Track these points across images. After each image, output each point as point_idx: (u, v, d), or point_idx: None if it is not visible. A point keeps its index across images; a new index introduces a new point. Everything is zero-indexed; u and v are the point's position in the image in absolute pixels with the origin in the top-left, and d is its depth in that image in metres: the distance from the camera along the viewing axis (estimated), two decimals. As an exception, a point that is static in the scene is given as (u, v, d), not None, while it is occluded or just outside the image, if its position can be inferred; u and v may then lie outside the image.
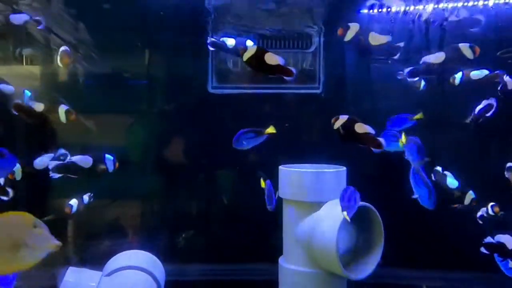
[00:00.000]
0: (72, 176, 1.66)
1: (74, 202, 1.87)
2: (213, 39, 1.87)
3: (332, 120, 1.52)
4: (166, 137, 2.34)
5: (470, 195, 1.78)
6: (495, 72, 1.84)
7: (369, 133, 1.46)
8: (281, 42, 2.29)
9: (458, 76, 1.88)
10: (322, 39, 2.27)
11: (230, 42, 1.88)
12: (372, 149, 1.46)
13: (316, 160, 1.98)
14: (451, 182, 1.77)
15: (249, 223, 2.25)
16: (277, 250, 1.96)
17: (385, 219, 1.74)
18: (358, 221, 1.78)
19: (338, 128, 1.46)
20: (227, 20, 2.24)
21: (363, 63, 2.17)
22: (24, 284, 1.96)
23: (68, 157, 1.71)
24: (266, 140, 2.18)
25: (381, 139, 1.48)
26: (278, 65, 1.43)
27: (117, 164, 1.70)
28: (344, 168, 1.87)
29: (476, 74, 1.85)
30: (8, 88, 1.83)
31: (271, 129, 1.62)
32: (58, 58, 1.84)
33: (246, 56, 1.41)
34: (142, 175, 2.33)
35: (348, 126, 1.45)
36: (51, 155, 1.74)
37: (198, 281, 2.14)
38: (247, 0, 2.19)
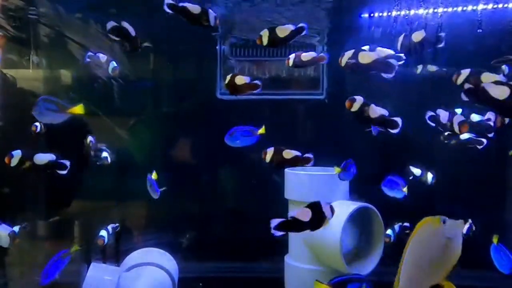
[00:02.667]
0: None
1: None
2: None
3: (262, 155, 1.60)
4: (176, 141, 2.41)
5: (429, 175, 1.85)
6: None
7: (297, 156, 1.62)
8: (284, 51, 2.38)
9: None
10: (325, 48, 2.35)
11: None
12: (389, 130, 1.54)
13: (320, 163, 2.06)
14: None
15: (256, 223, 2.33)
16: (283, 248, 2.05)
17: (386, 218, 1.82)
18: (360, 221, 1.87)
19: (356, 111, 1.51)
20: (233, 30, 2.33)
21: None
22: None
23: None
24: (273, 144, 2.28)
25: (308, 155, 1.64)
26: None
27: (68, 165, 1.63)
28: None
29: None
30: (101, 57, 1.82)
31: (262, 130, 1.72)
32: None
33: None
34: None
35: (362, 110, 1.52)
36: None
37: (207, 278, 2.21)
38: (252, 10, 2.27)
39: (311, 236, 1.87)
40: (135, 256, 1.65)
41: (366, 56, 1.51)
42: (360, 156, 2.20)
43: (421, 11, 2.10)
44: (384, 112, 1.52)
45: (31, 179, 2.18)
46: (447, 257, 1.09)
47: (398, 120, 1.53)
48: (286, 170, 2.00)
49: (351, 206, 1.77)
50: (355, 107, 1.51)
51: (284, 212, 2.03)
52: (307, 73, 2.40)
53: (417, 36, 1.53)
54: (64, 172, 1.58)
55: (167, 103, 2.47)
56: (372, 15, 2.25)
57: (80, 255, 2.14)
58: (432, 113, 1.61)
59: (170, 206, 2.33)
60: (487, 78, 1.33)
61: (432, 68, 2.10)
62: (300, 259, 1.93)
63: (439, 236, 1.09)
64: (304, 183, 1.92)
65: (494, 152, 2.16)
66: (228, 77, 1.62)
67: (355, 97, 1.51)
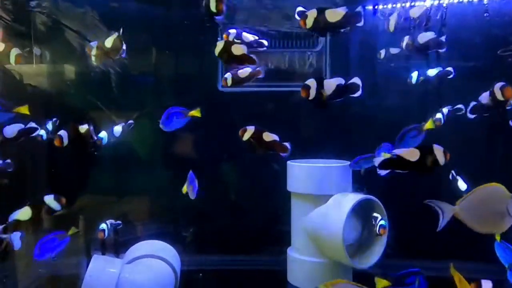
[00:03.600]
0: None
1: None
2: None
3: (240, 133, 1.56)
4: (177, 134, 2.41)
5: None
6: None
7: (275, 141, 1.57)
8: (288, 42, 2.35)
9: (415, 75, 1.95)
10: (328, 38, 2.33)
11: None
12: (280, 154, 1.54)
13: (322, 155, 2.06)
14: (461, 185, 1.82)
15: (258, 215, 2.33)
16: (285, 241, 2.05)
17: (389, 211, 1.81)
18: (363, 213, 1.86)
19: (248, 139, 1.50)
20: (235, 20, 2.30)
21: (369, 62, 2.22)
22: (48, 273, 2.07)
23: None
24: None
25: (286, 144, 1.60)
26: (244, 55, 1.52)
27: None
28: (349, 163, 1.95)
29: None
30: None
31: (196, 112, 1.68)
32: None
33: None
34: (153, 170, 2.41)
35: (256, 135, 1.51)
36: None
37: (210, 270, 2.21)
38: (255, 0, 2.24)
39: (313, 228, 1.87)
40: (137, 249, 1.65)
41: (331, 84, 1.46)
42: (362, 149, 2.20)
43: (428, 3, 2.07)
44: (340, 81, 1.46)
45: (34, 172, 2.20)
46: (499, 222, 1.28)
47: (357, 80, 1.47)
48: (289, 162, 1.99)
49: (354, 198, 1.76)
50: (312, 94, 1.43)
51: (286, 204, 2.03)
52: (310, 64, 2.38)
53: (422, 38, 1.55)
54: (36, 133, 1.64)
55: (167, 96, 2.45)
56: (376, 7, 2.22)
57: (81, 247, 2.16)
58: (474, 103, 1.58)
59: (172, 199, 2.34)
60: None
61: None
62: (303, 251, 1.93)
63: (504, 203, 1.26)
64: (306, 175, 1.91)
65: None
66: (220, 44, 1.52)
67: (308, 82, 1.43)
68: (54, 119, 1.87)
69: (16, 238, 1.53)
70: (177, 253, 1.75)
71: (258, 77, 1.69)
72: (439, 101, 2.12)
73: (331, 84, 1.45)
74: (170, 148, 2.40)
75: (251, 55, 1.58)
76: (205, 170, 2.39)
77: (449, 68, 1.92)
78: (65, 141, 1.65)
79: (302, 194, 1.93)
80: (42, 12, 2.18)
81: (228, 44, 1.53)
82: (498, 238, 1.70)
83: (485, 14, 1.82)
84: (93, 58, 1.66)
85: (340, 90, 1.45)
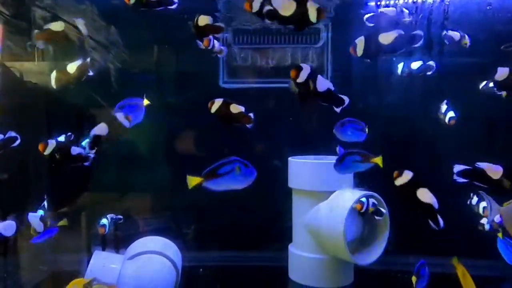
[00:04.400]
0: None
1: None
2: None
3: (209, 105, 1.55)
4: (179, 130, 2.41)
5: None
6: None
7: (242, 112, 1.55)
8: (289, 38, 2.34)
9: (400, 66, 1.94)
10: (330, 34, 2.32)
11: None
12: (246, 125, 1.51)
13: (323, 151, 2.05)
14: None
15: (260, 212, 2.33)
16: (287, 237, 2.05)
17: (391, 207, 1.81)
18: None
19: (216, 111, 1.49)
20: (235, 16, 2.29)
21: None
22: (51, 269, 2.07)
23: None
24: (276, 133, 2.26)
25: (250, 115, 1.57)
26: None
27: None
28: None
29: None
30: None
31: (146, 101, 1.68)
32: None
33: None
34: (155, 167, 2.41)
35: (224, 107, 1.50)
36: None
37: (212, 267, 2.21)
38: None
39: (315, 225, 1.87)
40: (138, 245, 1.64)
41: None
42: (364, 144, 2.20)
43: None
44: (330, 86, 1.41)
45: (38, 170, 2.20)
46: None
47: (345, 98, 1.44)
48: (290, 159, 1.99)
49: (356, 194, 1.75)
50: (302, 78, 1.36)
51: (288, 201, 2.02)
52: (311, 61, 2.37)
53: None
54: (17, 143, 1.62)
55: (169, 93, 2.45)
56: (379, 3, 2.21)
57: (83, 243, 2.16)
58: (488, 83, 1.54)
59: (174, 195, 2.34)
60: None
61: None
62: (304, 248, 1.92)
63: None
64: (308, 171, 1.91)
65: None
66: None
67: (303, 65, 1.38)
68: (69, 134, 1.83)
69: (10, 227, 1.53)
70: (178, 249, 1.75)
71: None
72: (442, 97, 2.12)
73: (323, 83, 1.41)
74: (171, 145, 2.40)
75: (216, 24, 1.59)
76: (206, 166, 2.39)
77: (431, 62, 1.91)
78: (48, 150, 1.56)
79: (304, 191, 1.92)
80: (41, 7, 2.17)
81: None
82: (500, 235, 1.70)
83: (488, 7, 1.81)
84: (52, 81, 1.64)
85: (326, 94, 1.42)
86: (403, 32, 1.40)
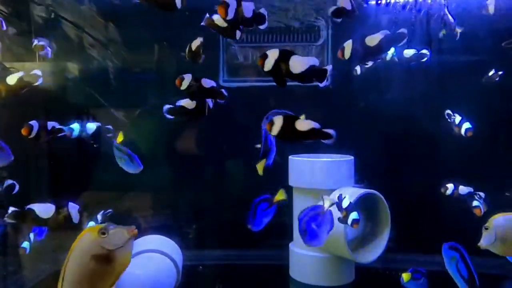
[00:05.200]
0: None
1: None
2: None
3: (177, 82, 1.51)
4: (179, 129, 2.41)
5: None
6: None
7: (213, 87, 1.54)
8: (289, 36, 2.34)
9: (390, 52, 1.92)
10: (330, 32, 2.31)
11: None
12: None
13: (324, 150, 2.05)
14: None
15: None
16: (287, 235, 2.05)
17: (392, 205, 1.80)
18: (366, 208, 1.85)
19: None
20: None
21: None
22: (51, 268, 2.07)
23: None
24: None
25: (223, 91, 1.55)
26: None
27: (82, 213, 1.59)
28: (352, 157, 1.94)
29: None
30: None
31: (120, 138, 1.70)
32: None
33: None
34: (155, 166, 2.41)
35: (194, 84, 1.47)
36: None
37: (212, 265, 2.22)
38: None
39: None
40: (138, 243, 1.64)
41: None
42: (365, 142, 2.19)
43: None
44: (315, 62, 1.33)
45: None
46: (110, 271, 1.04)
47: (328, 68, 1.35)
48: (290, 157, 1.99)
49: (356, 192, 1.75)
50: (268, 65, 1.29)
51: (288, 199, 2.02)
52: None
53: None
54: None
55: (168, 91, 2.45)
56: (379, 2, 2.20)
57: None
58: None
59: (175, 194, 2.34)
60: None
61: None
62: (305, 246, 1.91)
63: (96, 248, 1.03)
64: (309, 169, 1.91)
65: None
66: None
67: (270, 51, 1.30)
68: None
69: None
70: (179, 247, 1.75)
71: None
72: (441, 93, 2.11)
73: (299, 62, 1.31)
74: (173, 143, 2.40)
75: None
76: (206, 165, 2.40)
77: (424, 51, 1.89)
78: (34, 132, 1.57)
79: (304, 189, 1.92)
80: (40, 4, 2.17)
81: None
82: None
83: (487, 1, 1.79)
84: None
85: (307, 72, 1.32)
86: (388, 33, 1.39)
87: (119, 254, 1.05)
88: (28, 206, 1.45)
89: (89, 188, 2.30)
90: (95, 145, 1.81)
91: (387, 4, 2.19)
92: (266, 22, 1.42)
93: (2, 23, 1.76)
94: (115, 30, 2.33)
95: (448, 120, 1.84)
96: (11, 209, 1.46)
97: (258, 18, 1.41)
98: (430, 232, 2.06)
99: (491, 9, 1.64)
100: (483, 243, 1.26)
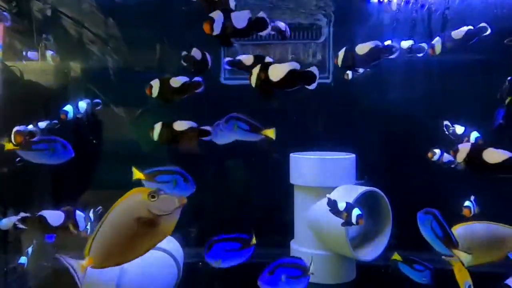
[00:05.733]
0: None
1: None
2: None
3: (147, 91, 1.50)
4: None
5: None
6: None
7: (185, 82, 1.51)
8: (291, 33, 2.33)
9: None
10: (331, 30, 2.31)
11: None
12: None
13: (326, 148, 2.05)
14: None
15: (261, 208, 2.33)
16: (288, 233, 2.04)
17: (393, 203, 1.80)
18: (368, 206, 1.85)
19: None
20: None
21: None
22: (53, 267, 2.07)
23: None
24: (277, 129, 2.25)
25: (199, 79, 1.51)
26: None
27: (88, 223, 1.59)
28: (354, 155, 1.94)
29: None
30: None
31: None
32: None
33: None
34: (156, 164, 2.40)
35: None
36: None
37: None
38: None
39: (317, 221, 1.86)
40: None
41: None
42: (366, 139, 2.19)
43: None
44: (294, 66, 1.26)
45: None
46: (149, 237, 1.01)
47: (315, 70, 1.28)
48: (292, 155, 1.98)
49: (358, 190, 1.74)
50: (253, 81, 1.28)
51: (289, 197, 2.02)
52: (313, 56, 2.36)
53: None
54: None
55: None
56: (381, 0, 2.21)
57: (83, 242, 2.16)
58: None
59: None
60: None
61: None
62: (306, 244, 1.92)
63: (143, 211, 1.00)
64: (310, 167, 1.90)
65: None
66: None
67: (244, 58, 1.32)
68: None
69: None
70: (180, 245, 1.75)
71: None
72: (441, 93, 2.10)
73: (277, 69, 1.26)
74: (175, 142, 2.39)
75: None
76: (207, 164, 2.39)
77: (423, 44, 1.86)
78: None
79: (305, 187, 1.92)
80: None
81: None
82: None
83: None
84: None
85: (292, 77, 1.26)
86: (379, 43, 1.40)
87: (164, 221, 1.00)
88: (39, 213, 1.45)
89: (89, 188, 2.31)
90: (94, 141, 1.79)
91: (389, 1, 2.18)
92: (269, 26, 1.33)
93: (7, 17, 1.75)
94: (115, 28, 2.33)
95: (446, 132, 1.81)
96: (21, 214, 1.46)
97: (257, 24, 1.32)
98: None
99: (438, 48, 1.61)
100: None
